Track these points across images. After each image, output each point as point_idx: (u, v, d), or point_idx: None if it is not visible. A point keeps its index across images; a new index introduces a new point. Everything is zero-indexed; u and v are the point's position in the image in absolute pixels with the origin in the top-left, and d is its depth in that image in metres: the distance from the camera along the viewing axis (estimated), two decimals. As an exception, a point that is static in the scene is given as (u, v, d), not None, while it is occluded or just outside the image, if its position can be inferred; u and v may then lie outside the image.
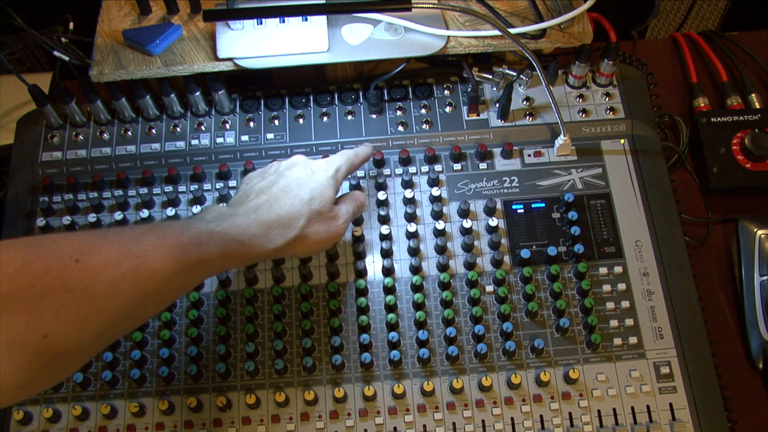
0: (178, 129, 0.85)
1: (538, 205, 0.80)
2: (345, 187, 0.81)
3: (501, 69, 0.84)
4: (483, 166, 0.82)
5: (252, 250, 0.63)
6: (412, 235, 0.78)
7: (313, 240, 0.67)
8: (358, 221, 0.79)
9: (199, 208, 0.80)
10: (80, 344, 0.53)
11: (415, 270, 0.77)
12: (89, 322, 0.53)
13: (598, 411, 0.71)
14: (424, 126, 0.84)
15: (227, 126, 0.85)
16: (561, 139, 0.81)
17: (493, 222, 0.78)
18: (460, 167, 0.82)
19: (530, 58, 0.78)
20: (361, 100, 0.86)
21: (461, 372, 0.73)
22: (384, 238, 0.78)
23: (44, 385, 0.57)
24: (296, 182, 0.68)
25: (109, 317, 0.54)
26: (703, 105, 0.91)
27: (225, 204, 0.69)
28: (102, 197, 0.81)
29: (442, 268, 0.76)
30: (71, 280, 0.52)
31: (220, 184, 0.82)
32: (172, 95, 0.84)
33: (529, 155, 0.83)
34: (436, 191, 0.80)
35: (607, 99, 0.86)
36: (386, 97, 0.86)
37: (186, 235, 0.58)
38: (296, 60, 0.81)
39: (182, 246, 0.57)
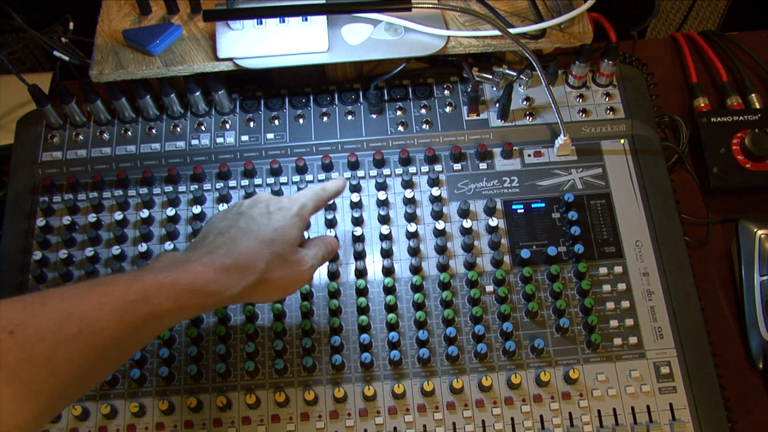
0: (178, 129, 0.85)
1: (538, 205, 0.80)
2: (345, 189, 0.81)
3: (501, 69, 0.84)
4: (483, 166, 0.82)
5: (207, 299, 0.58)
6: (412, 235, 0.78)
7: (275, 285, 0.61)
8: (358, 221, 0.79)
9: (199, 208, 0.80)
10: (22, 418, 0.48)
11: (415, 270, 0.77)
12: (28, 399, 0.48)
13: (598, 411, 0.71)
14: (424, 126, 0.84)
15: (227, 126, 0.85)
16: (561, 139, 0.81)
17: (493, 222, 0.78)
18: (460, 167, 0.82)
19: (530, 58, 0.78)
20: (361, 100, 0.86)
21: (461, 372, 0.73)
22: (384, 238, 0.78)
23: None
24: (256, 222, 0.62)
25: (51, 391, 0.50)
26: (703, 105, 0.91)
27: (180, 250, 0.64)
28: (102, 197, 0.81)
29: (442, 268, 0.76)
30: (5, 354, 0.47)
31: (220, 184, 0.82)
32: (172, 95, 0.84)
33: (529, 155, 0.83)
34: (436, 191, 0.80)
35: (607, 99, 0.86)
36: (386, 97, 0.86)
37: (132, 290, 0.54)
38: (296, 60, 0.81)
39: (129, 303, 0.53)
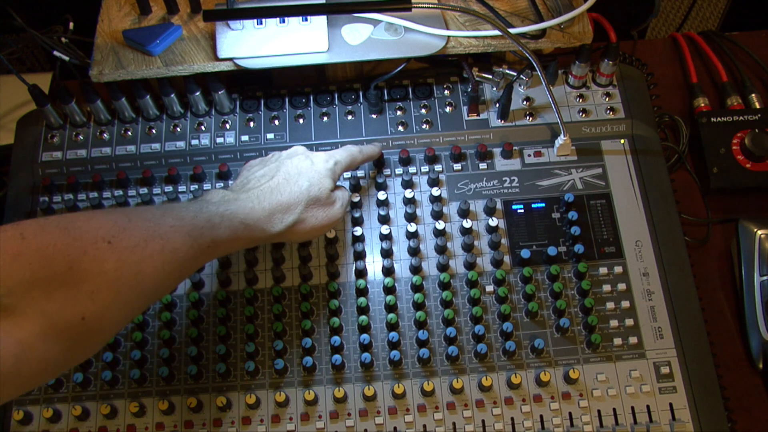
0: (178, 129, 0.85)
1: (538, 205, 0.80)
2: (345, 187, 0.81)
3: (501, 69, 0.84)
4: (483, 166, 0.82)
5: (256, 234, 0.66)
6: (412, 235, 0.78)
7: (311, 224, 0.70)
8: (358, 221, 0.79)
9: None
10: (112, 323, 0.56)
11: (415, 270, 0.77)
12: (120, 302, 0.55)
13: (598, 411, 0.71)
14: (424, 126, 0.84)
15: (227, 126, 0.85)
16: (561, 139, 0.81)
17: (493, 222, 0.78)
18: (460, 167, 0.82)
19: (530, 58, 0.78)
20: (361, 100, 0.86)
21: (461, 372, 0.73)
22: (384, 238, 0.78)
23: (76, 363, 0.62)
24: (296, 171, 0.70)
25: (137, 296, 0.57)
26: (703, 105, 0.91)
27: (225, 188, 0.71)
28: (102, 197, 0.81)
29: (442, 268, 0.76)
30: (105, 262, 0.53)
31: (220, 184, 0.82)
32: (172, 95, 0.84)
33: (529, 155, 0.83)
34: (436, 191, 0.80)
35: (607, 99, 0.86)
36: (386, 97, 0.86)
37: (200, 218, 0.61)
38: (296, 60, 0.81)
39: (198, 229, 0.60)
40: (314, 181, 0.70)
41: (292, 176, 0.70)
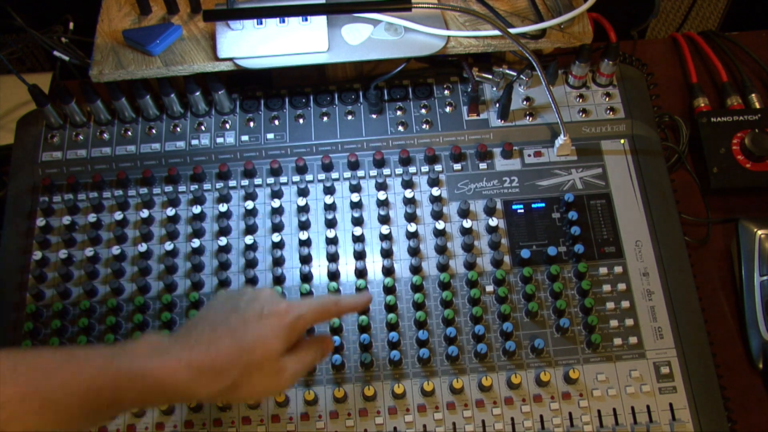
0: (178, 129, 0.85)
1: (538, 205, 0.80)
2: (345, 187, 0.81)
3: (501, 69, 0.84)
4: (483, 166, 0.82)
5: (174, 397, 0.59)
6: (412, 235, 0.78)
7: (246, 392, 0.59)
8: (358, 221, 0.79)
9: (199, 208, 0.80)
10: None
11: (415, 270, 0.77)
12: None
13: (598, 411, 0.71)
14: (424, 126, 0.84)
15: (227, 126, 0.85)
16: (561, 139, 0.81)
17: (493, 222, 0.78)
18: (460, 167, 0.82)
19: (530, 58, 0.78)
20: (361, 100, 0.86)
21: (461, 372, 0.73)
22: (384, 238, 0.78)
23: None
24: (244, 324, 0.58)
25: None
26: (703, 105, 0.91)
27: (168, 332, 0.63)
28: (102, 197, 0.81)
29: (442, 268, 0.76)
30: None
31: (220, 184, 0.82)
32: (172, 95, 0.84)
33: (529, 155, 0.83)
34: (436, 191, 0.80)
35: (607, 99, 0.86)
36: (386, 97, 0.86)
37: (104, 376, 0.53)
38: (296, 60, 0.81)
39: (95, 390, 0.53)
40: (260, 343, 0.57)
41: (238, 330, 0.58)
